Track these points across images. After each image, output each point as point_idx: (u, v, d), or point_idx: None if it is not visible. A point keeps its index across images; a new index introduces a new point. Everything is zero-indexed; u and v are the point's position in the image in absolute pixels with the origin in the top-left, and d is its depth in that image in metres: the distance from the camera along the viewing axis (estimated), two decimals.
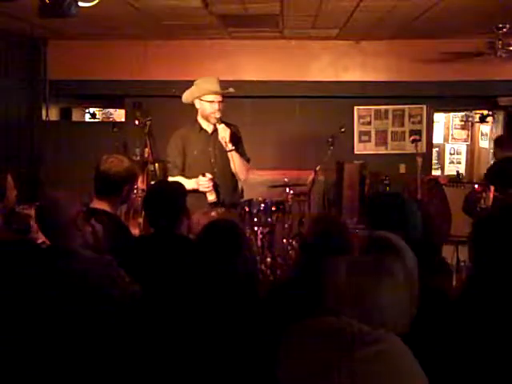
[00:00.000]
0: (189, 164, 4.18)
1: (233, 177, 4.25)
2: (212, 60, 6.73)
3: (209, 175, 3.99)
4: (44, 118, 6.96)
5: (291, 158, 6.77)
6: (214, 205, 3.99)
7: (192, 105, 4.28)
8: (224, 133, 4.06)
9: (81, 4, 3.44)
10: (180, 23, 5.61)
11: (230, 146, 4.10)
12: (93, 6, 3.51)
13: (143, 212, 5.64)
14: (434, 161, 9.42)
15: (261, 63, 6.72)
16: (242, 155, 4.23)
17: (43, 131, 6.88)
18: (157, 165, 6.33)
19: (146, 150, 6.09)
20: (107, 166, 3.02)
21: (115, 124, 7.10)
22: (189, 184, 4.03)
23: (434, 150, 9.62)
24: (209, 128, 4.22)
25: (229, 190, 4.22)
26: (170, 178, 4.22)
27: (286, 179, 6.07)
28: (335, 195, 6.47)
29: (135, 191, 4.73)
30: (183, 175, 4.17)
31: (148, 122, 6.10)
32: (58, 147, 6.81)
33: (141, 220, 5.57)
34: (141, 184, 5.45)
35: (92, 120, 8.09)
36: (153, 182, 5.98)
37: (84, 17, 3.75)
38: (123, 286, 2.39)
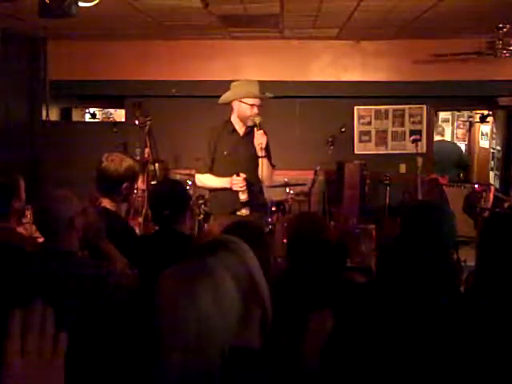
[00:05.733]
0: (217, 164, 4.18)
1: (258, 180, 4.27)
2: (212, 60, 6.73)
3: (243, 175, 4.03)
4: (44, 118, 6.96)
5: (291, 158, 6.76)
6: (244, 204, 4.06)
7: (224, 104, 4.25)
8: (262, 139, 4.06)
9: (81, 4, 3.44)
10: (180, 23, 5.62)
11: (263, 153, 4.12)
12: (93, 5, 3.51)
13: (143, 212, 5.67)
14: None
15: (261, 63, 6.72)
16: (269, 160, 4.26)
17: (43, 131, 6.88)
18: (157, 165, 6.35)
19: (146, 150, 6.11)
20: (107, 164, 3.03)
21: (115, 124, 7.11)
22: (220, 182, 4.11)
23: None
24: (241, 130, 4.21)
25: (254, 193, 4.24)
26: (198, 175, 4.24)
27: (285, 179, 6.08)
28: (335, 195, 6.47)
29: (135, 191, 4.74)
30: (211, 173, 4.20)
31: (148, 122, 6.11)
32: (58, 147, 6.82)
33: (141, 220, 5.59)
34: (141, 184, 5.46)
35: (92, 120, 8.10)
36: (153, 182, 6.00)
37: (84, 17, 3.75)
38: (118, 285, 2.38)
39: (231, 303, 1.27)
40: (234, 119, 4.21)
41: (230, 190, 4.07)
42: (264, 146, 4.08)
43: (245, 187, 4.03)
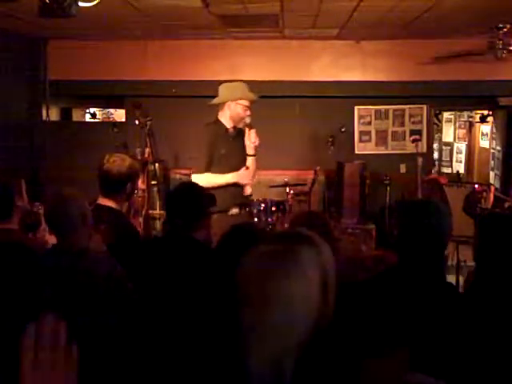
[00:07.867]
0: (215, 162, 4.20)
1: None
2: (212, 60, 6.73)
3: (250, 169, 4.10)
4: (44, 117, 6.96)
5: (291, 158, 6.77)
6: (249, 197, 4.13)
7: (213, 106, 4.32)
8: (255, 138, 4.18)
9: (81, 4, 3.44)
10: (180, 23, 5.61)
11: (254, 151, 4.22)
12: (93, 5, 3.51)
13: (143, 212, 5.67)
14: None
15: (261, 63, 6.72)
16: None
17: (43, 131, 6.88)
18: (157, 165, 6.34)
19: (147, 150, 6.10)
20: (109, 166, 3.05)
21: (115, 124, 7.11)
22: (230, 178, 4.13)
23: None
24: (231, 130, 4.29)
25: (243, 192, 4.28)
26: (199, 175, 4.19)
27: (285, 179, 6.08)
28: (335, 195, 6.47)
29: (136, 191, 4.74)
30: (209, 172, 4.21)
31: (148, 122, 6.11)
32: (58, 147, 6.82)
33: (141, 220, 5.59)
34: (141, 184, 5.46)
35: (92, 120, 8.10)
36: (153, 182, 6.00)
37: (84, 17, 3.75)
38: (127, 287, 2.40)
39: (315, 293, 1.24)
40: (225, 119, 4.25)
41: (222, 188, 4.06)
42: (257, 143, 4.19)
43: (251, 181, 4.09)
